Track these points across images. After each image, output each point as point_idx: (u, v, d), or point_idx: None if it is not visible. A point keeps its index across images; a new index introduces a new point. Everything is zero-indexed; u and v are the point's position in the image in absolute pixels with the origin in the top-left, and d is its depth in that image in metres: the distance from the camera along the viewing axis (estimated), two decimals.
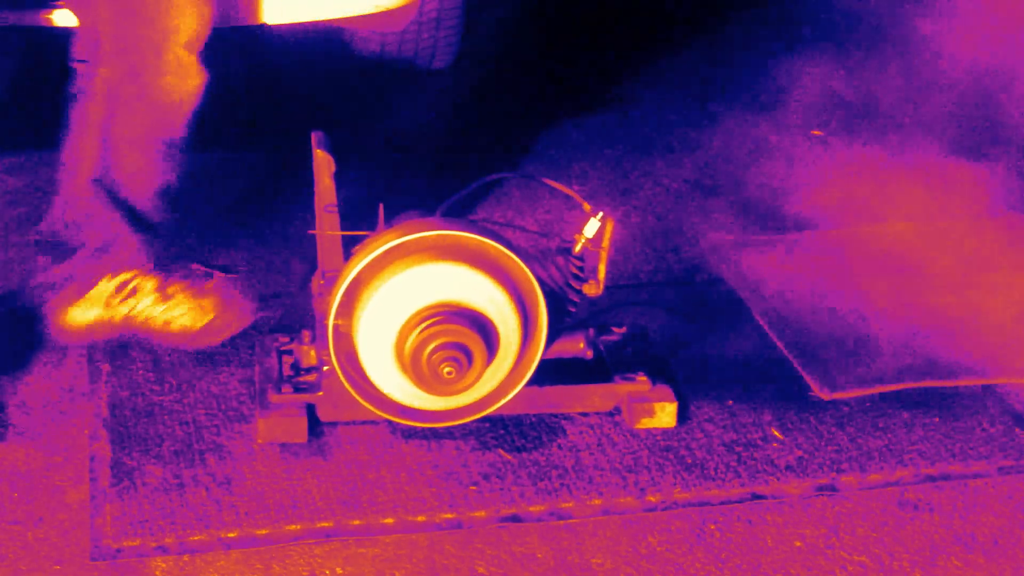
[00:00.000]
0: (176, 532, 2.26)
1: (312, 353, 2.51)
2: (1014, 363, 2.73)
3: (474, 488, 2.39)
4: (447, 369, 2.30)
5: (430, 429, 2.49)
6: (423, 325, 2.31)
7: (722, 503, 2.38)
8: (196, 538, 2.26)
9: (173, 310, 2.66)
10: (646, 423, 2.53)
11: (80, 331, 2.66)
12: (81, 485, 2.37)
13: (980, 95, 4.02)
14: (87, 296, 2.63)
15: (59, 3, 2.91)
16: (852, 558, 2.27)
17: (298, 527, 2.29)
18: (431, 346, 2.30)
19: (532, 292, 2.38)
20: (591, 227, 2.47)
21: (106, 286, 2.64)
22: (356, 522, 2.31)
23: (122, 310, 2.65)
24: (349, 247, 2.48)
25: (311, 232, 2.55)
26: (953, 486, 2.43)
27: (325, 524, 2.30)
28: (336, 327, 2.37)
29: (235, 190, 3.35)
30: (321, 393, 2.48)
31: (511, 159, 2.60)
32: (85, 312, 2.64)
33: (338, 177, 2.60)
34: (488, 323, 2.33)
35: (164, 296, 2.65)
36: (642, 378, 2.55)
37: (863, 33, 4.39)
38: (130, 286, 2.64)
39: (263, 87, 3.83)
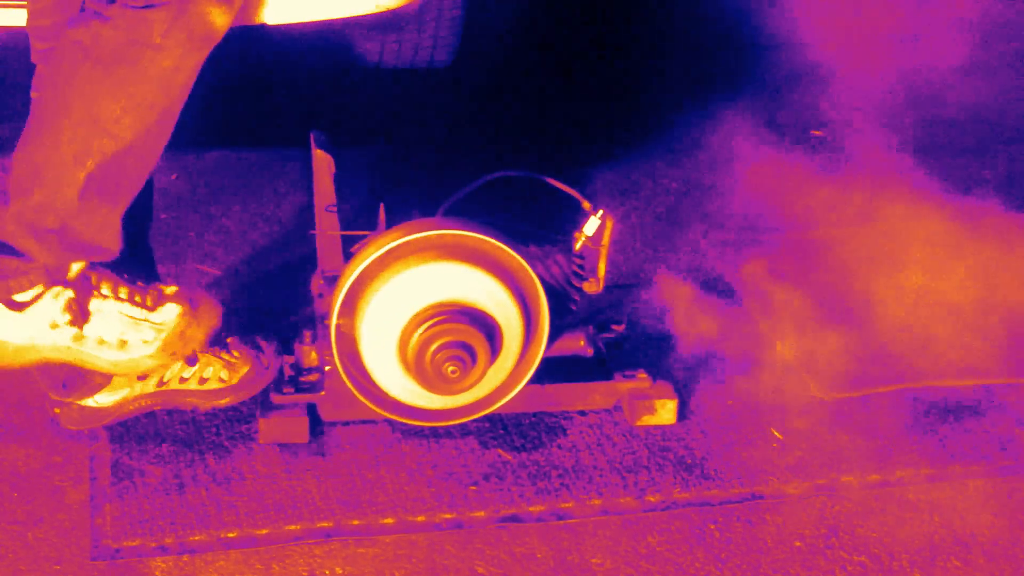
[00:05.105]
0: (176, 532, 2.26)
1: (313, 353, 2.51)
2: (1014, 363, 2.73)
3: (474, 488, 2.39)
4: (451, 368, 2.31)
5: (430, 429, 2.49)
6: (426, 324, 2.31)
7: (722, 503, 2.38)
8: (196, 538, 2.26)
9: (205, 370, 2.48)
10: (647, 420, 2.54)
11: (105, 416, 2.46)
12: (81, 485, 2.37)
13: (980, 95, 4.03)
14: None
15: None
16: (852, 558, 2.27)
17: (298, 527, 2.29)
18: (434, 345, 2.30)
19: (534, 290, 2.39)
20: (591, 225, 2.47)
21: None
22: (356, 522, 2.31)
23: (151, 383, 2.46)
24: (349, 247, 2.48)
25: (311, 232, 2.55)
26: (953, 486, 2.43)
27: (325, 524, 2.30)
28: (338, 327, 2.37)
29: (234, 189, 3.35)
30: (323, 393, 2.48)
31: (511, 159, 2.60)
32: (110, 396, 2.45)
33: (338, 177, 2.60)
34: (491, 322, 2.33)
35: (191, 360, 2.44)
36: (642, 375, 2.55)
37: (865, 32, 4.39)
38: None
39: (263, 87, 3.83)
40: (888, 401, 2.64)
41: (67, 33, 2.21)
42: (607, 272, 2.49)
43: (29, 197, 2.24)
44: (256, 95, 3.78)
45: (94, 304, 2.32)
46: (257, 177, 3.41)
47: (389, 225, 2.41)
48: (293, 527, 2.29)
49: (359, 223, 2.51)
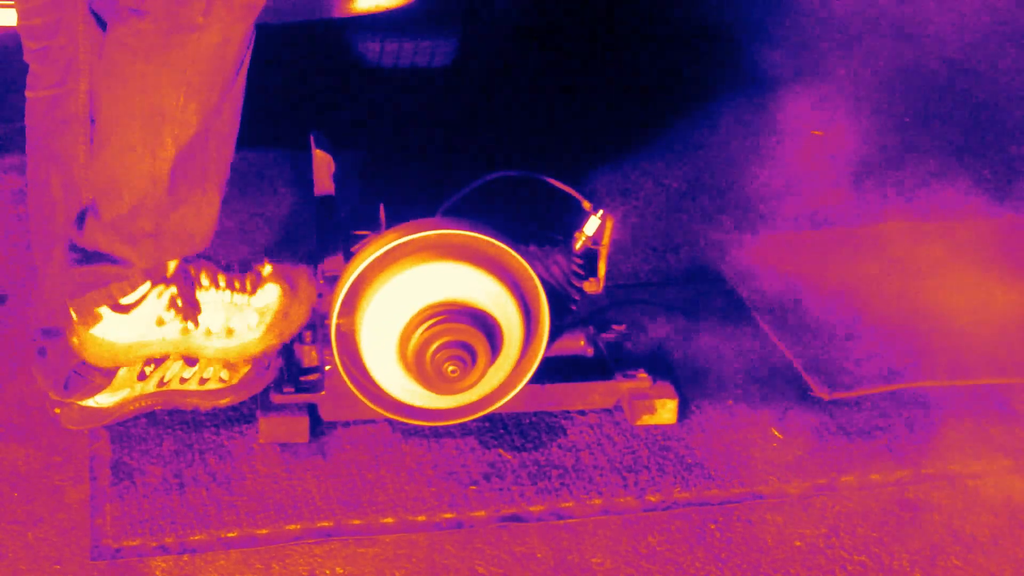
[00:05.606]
0: (176, 532, 2.26)
1: (313, 353, 2.51)
2: (1014, 363, 2.74)
3: (474, 488, 2.39)
4: (451, 368, 2.31)
5: (430, 429, 2.49)
6: (426, 324, 2.31)
7: (722, 503, 2.38)
8: (196, 538, 2.26)
9: (205, 370, 2.47)
10: (647, 420, 2.54)
11: (105, 416, 2.46)
12: (81, 485, 2.37)
13: (980, 94, 4.03)
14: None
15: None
16: (852, 558, 2.27)
17: (298, 527, 2.29)
18: (435, 345, 2.30)
19: (534, 290, 2.39)
20: (591, 225, 2.47)
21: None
22: (356, 522, 2.31)
23: (151, 383, 2.46)
24: (349, 247, 2.48)
25: (311, 232, 2.55)
26: (953, 486, 2.43)
27: (325, 524, 2.30)
28: (338, 327, 2.37)
29: (234, 189, 3.34)
30: (323, 393, 2.47)
31: (511, 159, 2.60)
32: (110, 397, 2.44)
33: (338, 177, 2.60)
34: (491, 321, 2.33)
35: (191, 360, 2.45)
36: (643, 375, 2.55)
37: (866, 32, 4.39)
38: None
39: (263, 87, 3.82)
40: (888, 401, 2.64)
41: (109, 37, 2.19)
42: (607, 272, 2.49)
43: (119, 204, 2.24)
44: (256, 95, 3.78)
45: (197, 296, 2.33)
46: (257, 177, 3.41)
47: (389, 225, 2.41)
48: (293, 527, 2.29)
49: (359, 223, 2.51)
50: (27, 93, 2.38)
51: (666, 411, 2.54)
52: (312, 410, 2.49)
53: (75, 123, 2.36)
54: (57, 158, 2.38)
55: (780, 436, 2.54)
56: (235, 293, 2.35)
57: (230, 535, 2.27)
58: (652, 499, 2.38)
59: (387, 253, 2.34)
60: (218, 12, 2.14)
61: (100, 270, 2.27)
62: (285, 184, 3.36)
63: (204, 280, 2.34)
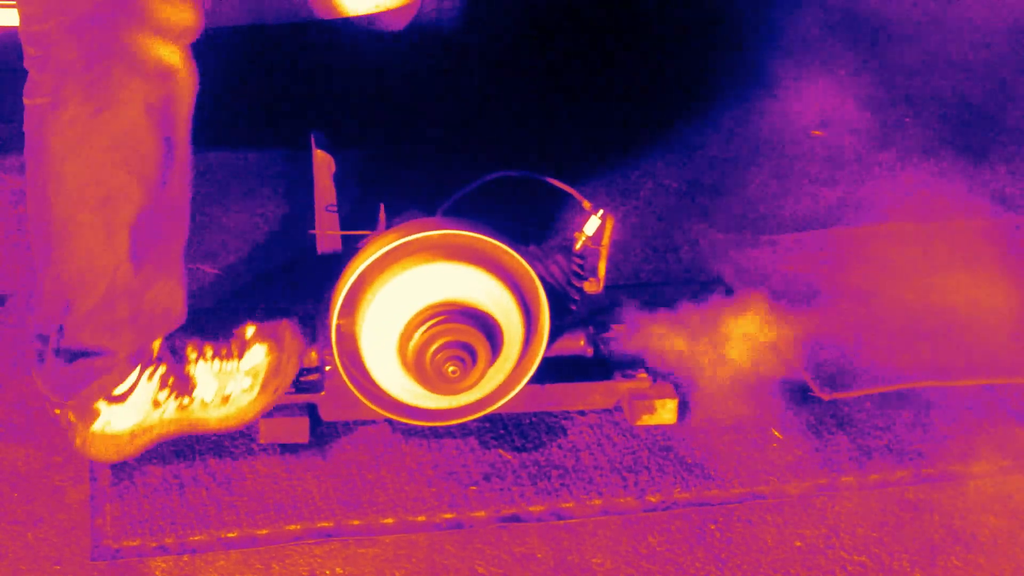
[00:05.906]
0: (176, 532, 2.26)
1: (314, 353, 2.51)
2: (1014, 363, 2.73)
3: (474, 488, 2.39)
4: (451, 368, 2.31)
5: (430, 429, 2.49)
6: (427, 324, 2.31)
7: (722, 503, 2.38)
8: (196, 538, 2.26)
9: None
10: (647, 420, 2.54)
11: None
12: (81, 485, 2.37)
13: (981, 94, 4.03)
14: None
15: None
16: (852, 558, 2.27)
17: (298, 527, 2.29)
18: (435, 345, 2.30)
19: (534, 290, 2.39)
20: (591, 225, 2.47)
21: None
22: (356, 522, 2.31)
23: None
24: (349, 247, 2.48)
25: (311, 232, 2.55)
26: (953, 486, 2.44)
27: (325, 524, 2.30)
28: (338, 327, 2.37)
29: (234, 189, 3.35)
30: (323, 393, 2.48)
31: (511, 159, 2.60)
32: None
33: (338, 177, 2.60)
34: (491, 322, 2.34)
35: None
36: (643, 375, 2.55)
37: (866, 32, 4.39)
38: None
39: (263, 87, 3.82)
40: (888, 401, 2.64)
41: (42, 137, 2.20)
42: (607, 272, 2.49)
43: (91, 295, 2.24)
44: (256, 95, 3.78)
45: (187, 371, 2.35)
46: (257, 177, 3.41)
47: (389, 225, 2.41)
48: (293, 527, 2.29)
49: (359, 223, 2.51)
50: (25, 100, 2.38)
51: (666, 411, 2.54)
52: (312, 410, 2.49)
53: None
54: None
55: (780, 436, 2.54)
56: (223, 361, 2.36)
57: (230, 535, 2.27)
58: (652, 499, 2.38)
59: (387, 253, 2.34)
60: (133, 83, 2.14)
61: (87, 366, 2.29)
62: (285, 184, 3.36)
63: (190, 354, 2.36)
